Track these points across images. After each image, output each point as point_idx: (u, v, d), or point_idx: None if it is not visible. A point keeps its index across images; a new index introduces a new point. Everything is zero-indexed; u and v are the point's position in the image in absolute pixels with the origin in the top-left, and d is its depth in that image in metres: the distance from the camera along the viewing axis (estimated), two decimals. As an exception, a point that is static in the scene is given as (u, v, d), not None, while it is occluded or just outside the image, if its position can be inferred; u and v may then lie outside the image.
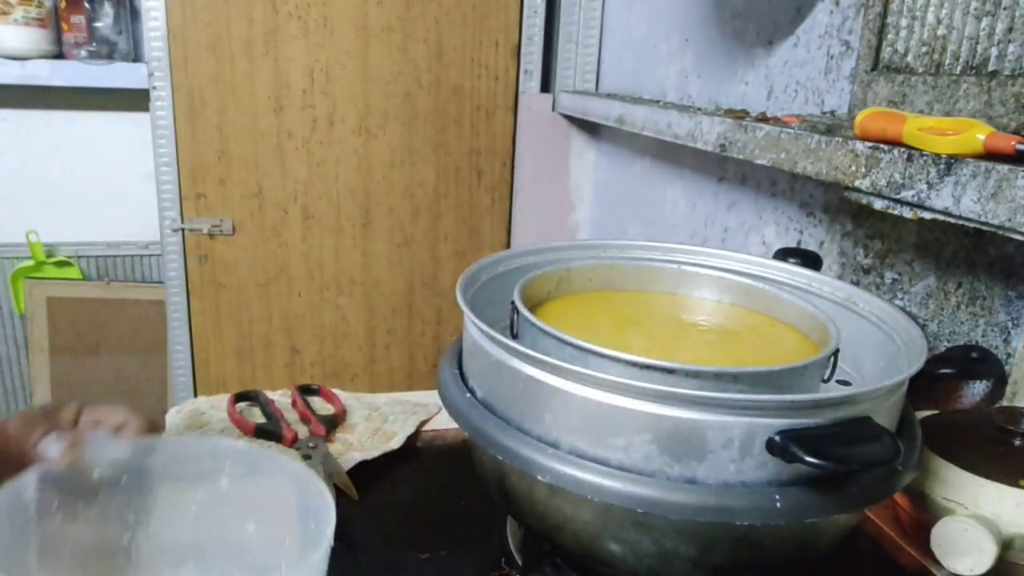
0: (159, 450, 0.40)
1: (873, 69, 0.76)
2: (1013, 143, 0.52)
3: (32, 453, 0.37)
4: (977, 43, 0.65)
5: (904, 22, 0.73)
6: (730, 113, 0.94)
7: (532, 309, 0.60)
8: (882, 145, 0.62)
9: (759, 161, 0.79)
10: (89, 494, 0.38)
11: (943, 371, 0.66)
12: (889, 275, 0.79)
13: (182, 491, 0.40)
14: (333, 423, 0.79)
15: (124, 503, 0.39)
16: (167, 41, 1.56)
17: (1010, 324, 0.65)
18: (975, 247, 0.68)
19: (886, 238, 0.79)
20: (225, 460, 0.41)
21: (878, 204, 0.64)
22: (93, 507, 0.38)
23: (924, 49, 0.71)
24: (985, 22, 0.64)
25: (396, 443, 0.77)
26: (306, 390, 0.86)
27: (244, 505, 0.41)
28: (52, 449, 0.37)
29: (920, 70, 0.71)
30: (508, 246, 1.93)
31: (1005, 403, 0.64)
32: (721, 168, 1.13)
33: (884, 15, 0.75)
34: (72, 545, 0.37)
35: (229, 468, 0.41)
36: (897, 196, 0.60)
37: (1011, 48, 0.62)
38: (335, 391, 0.86)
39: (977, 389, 0.67)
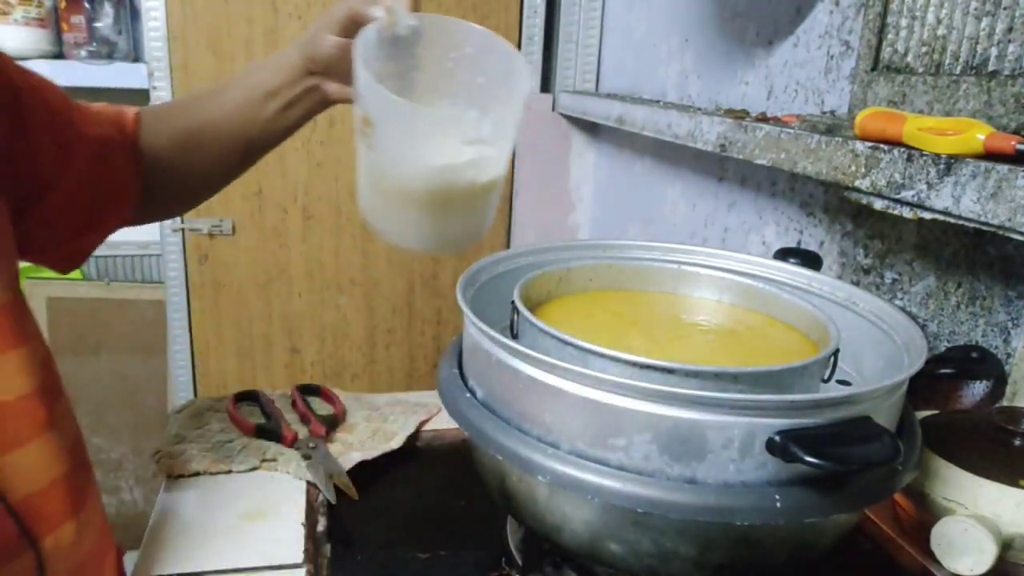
0: (429, 22, 0.60)
1: (873, 69, 0.76)
2: (1013, 143, 0.52)
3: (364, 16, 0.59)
4: (977, 43, 0.65)
5: (904, 22, 0.73)
6: (730, 113, 0.94)
7: (532, 309, 0.60)
8: (882, 145, 0.62)
9: (759, 161, 0.79)
10: (395, 45, 0.59)
11: (943, 371, 0.66)
12: (889, 275, 0.79)
13: (443, 52, 0.61)
14: (333, 423, 0.79)
15: (412, 53, 0.60)
16: (167, 41, 1.56)
17: (1010, 324, 0.65)
18: (975, 247, 0.68)
19: (886, 238, 0.79)
20: (469, 36, 0.60)
21: (878, 204, 0.64)
22: (398, 53, 0.59)
23: (924, 49, 0.71)
24: (985, 22, 0.64)
25: (396, 443, 0.77)
26: (306, 390, 0.86)
27: (478, 69, 0.61)
28: (378, 13, 0.58)
29: (920, 70, 0.71)
30: (508, 246, 1.93)
31: (1005, 403, 0.64)
32: (721, 168, 1.13)
33: (884, 15, 0.75)
34: (390, 77, 0.59)
35: (473, 42, 0.61)
36: (897, 196, 0.60)
37: (1011, 48, 0.62)
38: (335, 391, 0.86)
39: (977, 389, 0.67)
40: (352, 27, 0.60)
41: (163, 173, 0.67)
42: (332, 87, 0.65)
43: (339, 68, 0.62)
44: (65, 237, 0.64)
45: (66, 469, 0.49)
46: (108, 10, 1.60)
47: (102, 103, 0.67)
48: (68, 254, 0.67)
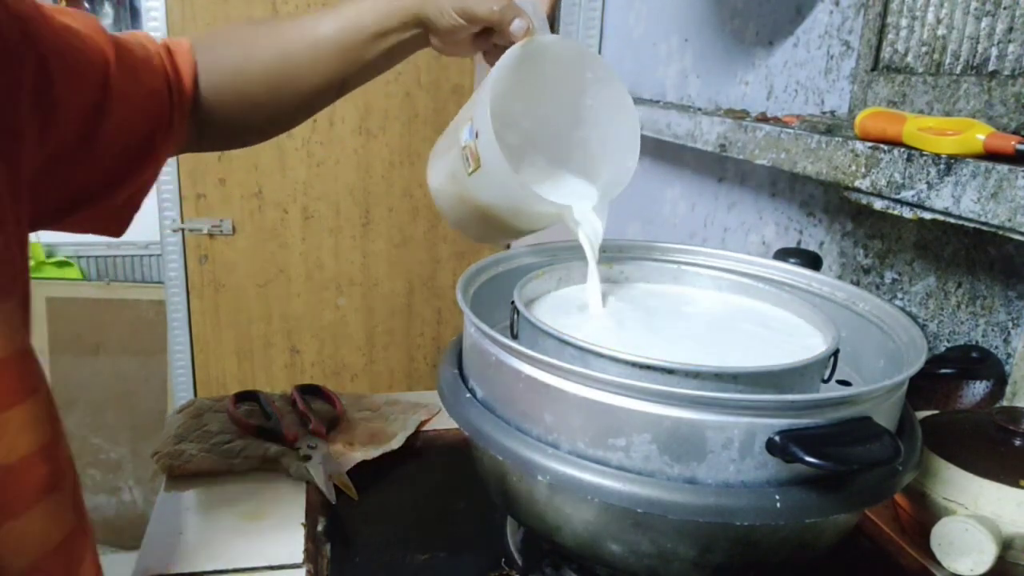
0: (559, 43, 0.61)
1: (873, 69, 0.76)
2: (1013, 143, 0.52)
3: (506, 33, 0.59)
4: (977, 43, 0.65)
5: (904, 22, 0.73)
6: (730, 113, 0.94)
7: (532, 309, 0.60)
8: (882, 145, 0.62)
9: (759, 161, 0.79)
10: (524, 58, 0.60)
11: (943, 371, 0.66)
12: (889, 275, 0.79)
13: (565, 72, 0.63)
14: (333, 423, 0.79)
15: (537, 67, 0.62)
16: (167, 41, 1.56)
17: (1010, 324, 0.65)
18: (975, 247, 0.68)
19: (886, 238, 0.79)
20: (590, 63, 0.63)
21: (878, 204, 0.64)
22: (523, 67, 0.61)
23: (924, 49, 0.71)
24: (985, 22, 0.64)
25: (396, 443, 0.77)
26: (306, 390, 0.86)
27: (589, 93, 0.64)
28: (518, 27, 0.58)
29: (920, 70, 0.71)
30: (508, 246, 1.93)
31: (1005, 403, 0.64)
32: (721, 168, 1.13)
33: (884, 15, 0.75)
34: (508, 96, 0.62)
35: (593, 69, 0.62)
36: (897, 196, 0.60)
37: (1011, 48, 0.62)
38: (335, 392, 0.86)
39: (977, 389, 0.67)
40: (478, 22, 0.60)
41: (223, 116, 0.65)
42: (437, 42, 0.64)
43: (450, 37, 0.63)
44: (99, 195, 0.61)
45: (65, 534, 0.45)
46: (108, 10, 1.60)
47: (143, 36, 0.62)
48: (109, 215, 0.64)
